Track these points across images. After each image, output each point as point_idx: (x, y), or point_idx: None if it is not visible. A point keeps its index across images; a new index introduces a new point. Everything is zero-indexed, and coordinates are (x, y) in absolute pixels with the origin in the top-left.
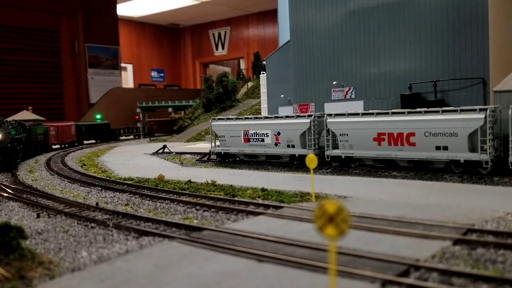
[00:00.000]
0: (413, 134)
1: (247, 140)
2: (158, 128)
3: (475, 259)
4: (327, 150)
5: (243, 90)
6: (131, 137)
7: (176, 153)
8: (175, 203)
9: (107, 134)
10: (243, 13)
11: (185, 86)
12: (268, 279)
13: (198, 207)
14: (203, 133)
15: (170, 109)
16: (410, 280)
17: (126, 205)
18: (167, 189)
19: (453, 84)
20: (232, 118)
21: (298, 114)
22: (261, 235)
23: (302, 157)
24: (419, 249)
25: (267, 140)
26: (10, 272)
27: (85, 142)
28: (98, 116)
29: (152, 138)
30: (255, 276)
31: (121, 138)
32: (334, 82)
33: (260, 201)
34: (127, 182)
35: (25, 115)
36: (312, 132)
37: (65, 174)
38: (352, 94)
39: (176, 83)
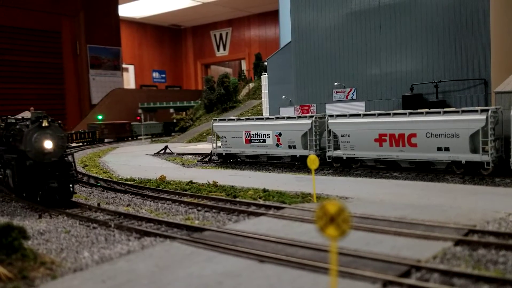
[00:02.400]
0: (414, 135)
1: (249, 141)
2: (109, 133)
3: (476, 259)
4: (328, 151)
5: (244, 91)
6: (80, 144)
7: (178, 154)
8: (177, 203)
9: None
10: (244, 14)
11: (187, 87)
12: (269, 279)
13: (199, 208)
14: (204, 134)
15: (171, 110)
16: (411, 281)
17: (127, 205)
18: (168, 189)
19: (454, 85)
20: (234, 119)
21: (300, 115)
22: (263, 236)
23: (304, 158)
24: (420, 249)
25: (269, 141)
26: (12, 272)
27: None
28: (100, 117)
29: (153, 139)
30: (256, 277)
31: (72, 145)
32: (336, 83)
33: (261, 202)
34: (129, 182)
35: (27, 116)
36: (314, 133)
37: None
38: (353, 95)
39: (178, 84)
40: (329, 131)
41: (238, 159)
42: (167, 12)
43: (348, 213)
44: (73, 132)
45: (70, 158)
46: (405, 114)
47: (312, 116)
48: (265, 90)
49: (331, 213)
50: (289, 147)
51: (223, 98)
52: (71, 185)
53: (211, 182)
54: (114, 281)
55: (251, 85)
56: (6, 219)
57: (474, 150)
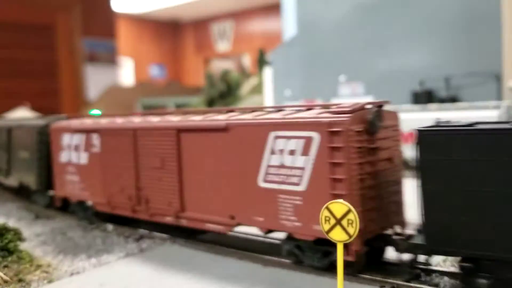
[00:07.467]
0: None
1: None
2: None
3: None
4: None
5: (246, 86)
6: None
7: None
8: None
9: None
10: (246, 7)
11: (187, 82)
12: (272, 283)
13: None
14: None
15: (171, 106)
16: (420, 285)
17: None
18: None
19: (465, 79)
20: None
21: None
22: (266, 238)
23: None
24: None
25: None
26: (8, 275)
27: None
28: (98, 113)
29: None
30: (259, 281)
31: None
32: (342, 77)
33: None
34: None
35: (23, 111)
36: None
37: None
38: (360, 89)
39: (178, 79)
40: None
41: None
42: (167, 5)
43: (355, 215)
44: None
45: None
46: (414, 110)
47: None
48: (268, 85)
49: (337, 215)
50: None
51: (224, 94)
52: None
53: None
54: (111, 285)
55: (254, 79)
56: (1, 221)
57: None
